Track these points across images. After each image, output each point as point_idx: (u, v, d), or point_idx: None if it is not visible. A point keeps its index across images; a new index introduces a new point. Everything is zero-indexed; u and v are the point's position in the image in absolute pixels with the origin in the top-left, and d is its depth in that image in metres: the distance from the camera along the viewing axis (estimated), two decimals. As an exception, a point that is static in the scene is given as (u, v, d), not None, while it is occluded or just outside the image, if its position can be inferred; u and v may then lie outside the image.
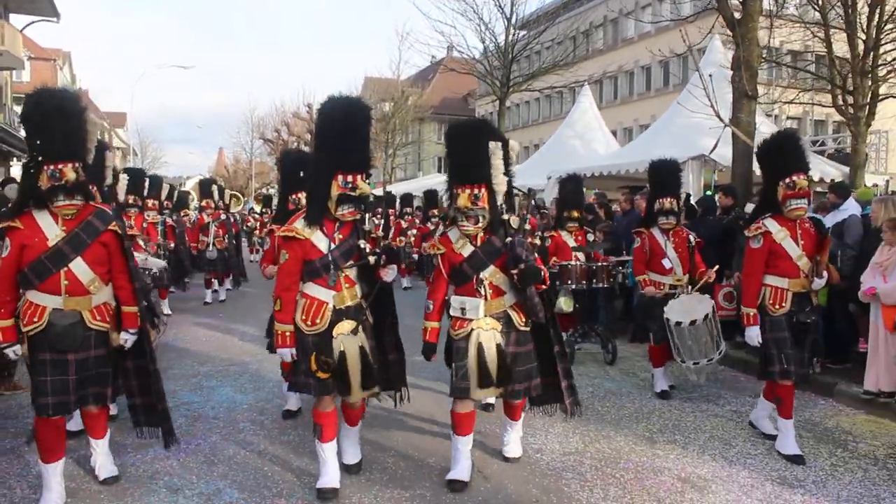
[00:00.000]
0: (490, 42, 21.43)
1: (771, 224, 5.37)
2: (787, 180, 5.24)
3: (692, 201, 10.77)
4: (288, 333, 4.32)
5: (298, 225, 4.34)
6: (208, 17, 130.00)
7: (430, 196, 14.71)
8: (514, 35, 21.24)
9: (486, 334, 4.58)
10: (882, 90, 16.25)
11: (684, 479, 4.80)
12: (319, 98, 6.84)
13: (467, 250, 4.65)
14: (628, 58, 36.56)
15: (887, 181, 16.87)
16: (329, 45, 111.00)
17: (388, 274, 4.45)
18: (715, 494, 4.55)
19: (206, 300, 12.80)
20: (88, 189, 4.16)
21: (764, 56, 18.95)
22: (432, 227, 13.32)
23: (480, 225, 4.56)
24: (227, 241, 13.25)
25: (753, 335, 5.32)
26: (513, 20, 20.97)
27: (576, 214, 8.45)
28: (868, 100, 15.33)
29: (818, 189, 13.47)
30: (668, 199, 6.97)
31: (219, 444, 5.34)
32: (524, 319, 4.68)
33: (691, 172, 13.80)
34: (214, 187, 14.16)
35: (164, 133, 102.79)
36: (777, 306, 5.32)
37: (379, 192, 17.84)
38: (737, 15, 10.45)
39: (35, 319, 4.06)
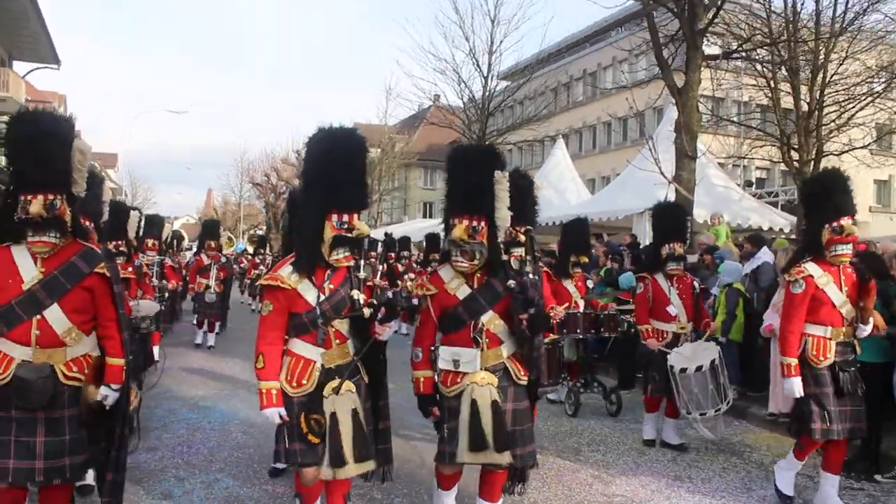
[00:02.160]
0: (468, 98, 22.99)
1: (813, 268, 5.05)
2: (835, 224, 4.94)
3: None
4: (274, 391, 3.76)
5: (284, 272, 3.84)
6: (199, 60, 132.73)
7: (432, 239, 14.33)
8: (490, 91, 22.71)
9: (482, 390, 4.07)
10: (826, 147, 17.72)
11: (596, 476, 5.89)
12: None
13: (462, 292, 4.18)
14: (592, 114, 38.40)
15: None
16: (318, 89, 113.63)
17: (385, 332, 3.90)
18: (617, 486, 5.64)
19: (196, 341, 12.72)
20: (65, 224, 3.62)
21: (712, 112, 20.53)
22: (430, 272, 12.94)
23: (476, 262, 4.10)
24: (224, 285, 12.94)
25: (795, 387, 4.95)
26: (490, 78, 22.55)
27: (585, 259, 8.29)
28: (813, 156, 16.77)
29: (771, 237, 14.83)
30: (678, 244, 6.77)
31: (216, 448, 6.37)
32: (523, 373, 4.27)
33: (647, 221, 15.16)
34: (222, 230, 14.08)
35: (153, 173, 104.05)
36: (821, 357, 4.99)
37: (379, 234, 16.34)
38: (679, 83, 11.80)
39: None
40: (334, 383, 3.77)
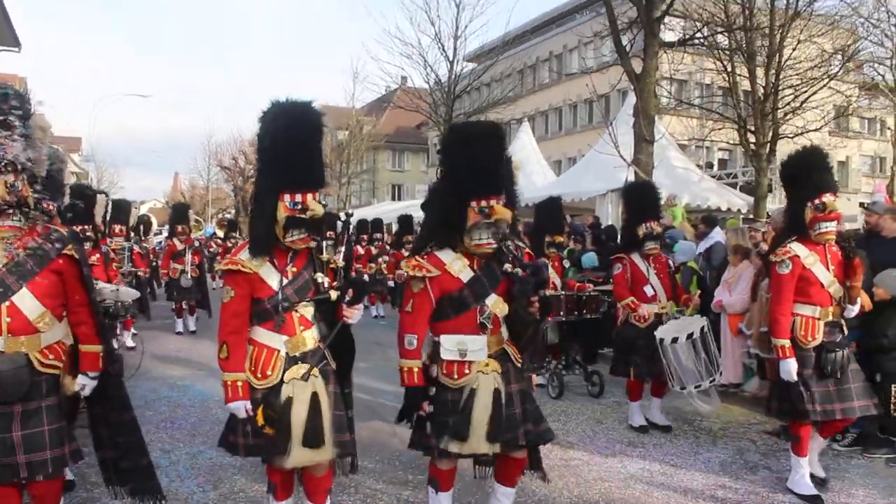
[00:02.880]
0: (434, 82, 23.35)
1: (799, 248, 5.01)
2: (817, 201, 4.89)
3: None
4: (240, 383, 3.62)
5: (244, 256, 3.67)
6: (165, 41, 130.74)
7: (405, 221, 14.34)
8: (455, 75, 23.06)
9: (486, 379, 3.92)
10: (782, 130, 18.37)
11: (555, 443, 6.30)
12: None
13: (466, 275, 3.97)
14: (557, 96, 38.89)
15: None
16: (286, 71, 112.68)
17: (354, 315, 3.71)
18: (575, 452, 6.08)
19: (177, 330, 12.38)
20: (29, 206, 3.50)
21: (674, 95, 21.07)
22: (406, 254, 12.55)
23: (495, 242, 3.93)
24: (199, 268, 12.53)
25: (791, 369, 4.89)
26: (455, 62, 22.93)
27: (559, 240, 8.21)
28: (769, 139, 17.39)
29: (723, 217, 15.40)
30: (655, 222, 6.73)
31: (197, 423, 6.71)
32: (519, 355, 4.14)
33: (610, 203, 15.68)
34: (191, 212, 13.82)
35: (119, 157, 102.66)
36: (809, 338, 4.96)
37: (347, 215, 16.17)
38: (638, 69, 12.24)
39: None
40: (301, 369, 3.61)
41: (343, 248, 4.04)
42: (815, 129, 18.07)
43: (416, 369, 3.95)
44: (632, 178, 12.36)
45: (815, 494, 5.01)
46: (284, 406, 3.56)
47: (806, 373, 4.93)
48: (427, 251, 4.03)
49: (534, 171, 21.92)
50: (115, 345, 7.98)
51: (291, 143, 3.62)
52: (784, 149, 21.73)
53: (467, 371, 3.92)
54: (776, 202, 22.83)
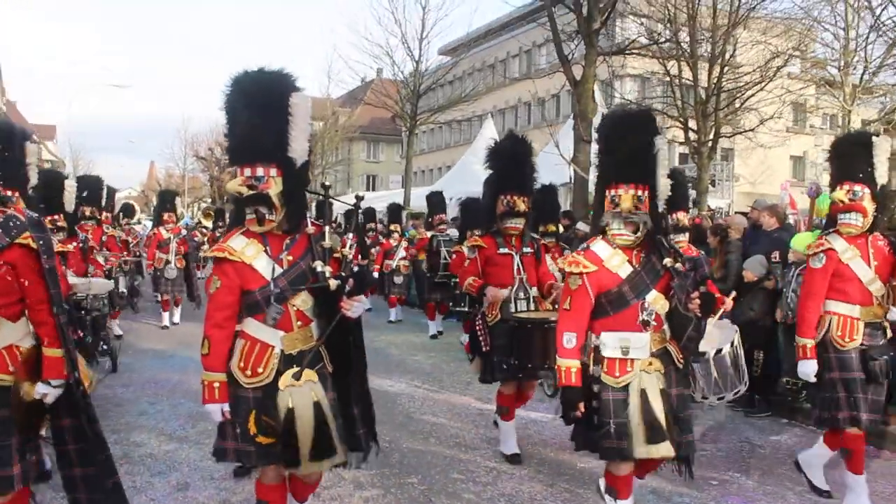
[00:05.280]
0: (401, 80, 24.64)
1: (836, 241, 4.61)
2: (837, 190, 4.63)
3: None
4: (217, 384, 3.38)
5: (235, 244, 3.42)
6: (139, 29, 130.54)
7: (394, 210, 14.23)
8: (420, 74, 24.31)
9: (650, 378, 3.79)
10: (723, 130, 19.78)
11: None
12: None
13: (625, 270, 3.82)
14: (514, 95, 40.08)
15: (729, 204, 20.28)
16: (263, 61, 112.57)
17: (354, 307, 3.41)
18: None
19: (164, 324, 11.84)
20: None
21: (619, 95, 22.42)
22: (395, 244, 13.03)
23: (639, 234, 3.80)
24: (186, 259, 11.91)
25: (809, 370, 4.59)
26: (420, 62, 24.22)
27: (552, 228, 8.06)
28: (710, 137, 18.78)
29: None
30: (683, 214, 6.43)
31: (178, 383, 7.85)
32: (681, 356, 3.94)
33: (561, 197, 16.95)
34: (178, 200, 13.69)
35: (93, 144, 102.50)
36: (847, 339, 4.56)
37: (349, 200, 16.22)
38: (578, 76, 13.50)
39: None
40: (293, 371, 3.38)
41: (352, 236, 3.59)
42: (750, 130, 19.30)
43: (574, 369, 3.81)
44: (572, 174, 13.64)
45: (827, 490, 4.81)
46: (287, 418, 3.32)
47: (849, 376, 4.53)
48: (584, 246, 3.95)
49: (495, 164, 23.22)
50: (101, 338, 7.85)
51: (242, 112, 3.38)
52: (743, 145, 23.09)
53: (629, 369, 3.79)
54: (718, 197, 24.45)
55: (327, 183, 3.73)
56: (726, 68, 18.50)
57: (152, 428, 6.23)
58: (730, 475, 5.44)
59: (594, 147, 12.30)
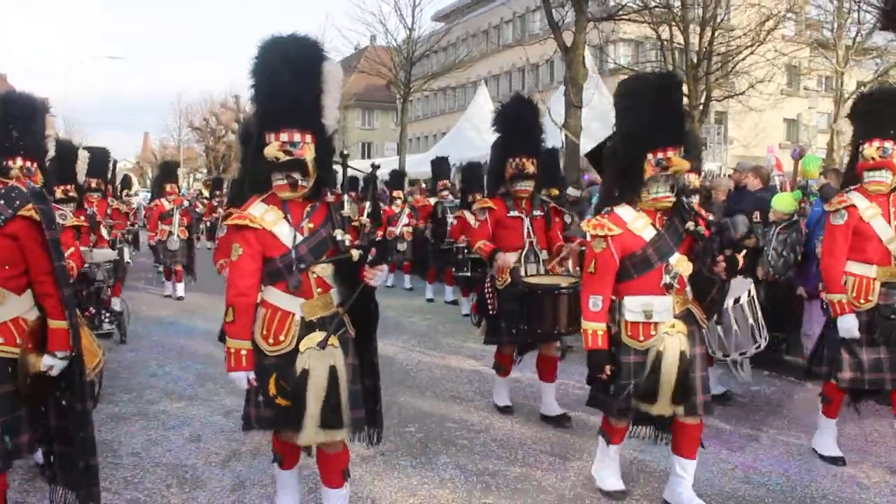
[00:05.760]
0: (394, 48, 24.76)
1: (857, 198, 4.56)
2: (861, 148, 4.57)
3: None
4: (244, 352, 3.39)
5: (255, 211, 3.40)
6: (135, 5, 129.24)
7: (396, 176, 14.04)
8: (412, 42, 24.39)
9: (672, 340, 3.84)
10: (715, 94, 19.98)
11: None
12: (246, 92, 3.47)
13: (648, 233, 3.86)
14: (508, 60, 40.05)
15: (720, 167, 20.50)
16: (255, 35, 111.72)
17: (377, 276, 3.41)
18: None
19: (165, 293, 11.91)
20: None
21: (612, 60, 22.58)
22: (397, 210, 12.69)
23: (672, 196, 3.84)
24: (189, 230, 11.93)
25: (850, 325, 4.48)
26: (413, 30, 24.30)
27: (555, 192, 8.03)
28: (701, 101, 19.00)
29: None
30: (694, 175, 6.33)
31: (183, 346, 8.20)
32: (704, 316, 4.01)
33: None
34: (180, 171, 14.30)
35: (88, 117, 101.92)
36: (862, 300, 4.52)
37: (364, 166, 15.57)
38: (568, 42, 13.66)
39: None
40: (317, 337, 3.37)
41: (369, 203, 3.51)
42: (741, 94, 19.49)
43: (600, 332, 3.88)
44: (563, 139, 13.86)
45: (840, 456, 4.85)
46: (300, 379, 3.33)
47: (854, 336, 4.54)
48: (608, 210, 3.95)
49: (489, 130, 23.33)
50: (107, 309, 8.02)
51: (282, 77, 3.34)
52: (736, 108, 23.24)
53: (653, 332, 3.85)
54: (711, 160, 24.66)
55: (346, 152, 3.69)
56: (718, 31, 18.66)
57: (163, 388, 6.54)
58: (707, 420, 5.72)
59: (585, 112, 12.76)
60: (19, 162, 4.20)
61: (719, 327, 5.47)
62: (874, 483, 4.60)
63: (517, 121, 5.63)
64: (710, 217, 5.40)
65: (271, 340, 3.41)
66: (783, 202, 7.40)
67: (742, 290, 5.62)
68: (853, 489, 4.51)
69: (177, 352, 7.99)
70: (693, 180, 6.22)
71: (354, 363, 3.51)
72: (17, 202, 3.04)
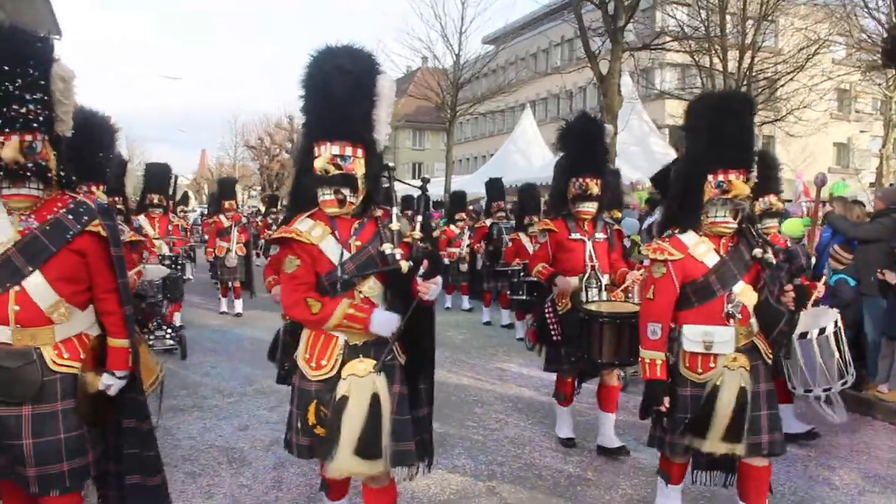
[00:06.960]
0: (440, 71, 25.77)
1: None
2: None
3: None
4: (351, 310, 3.18)
5: (302, 226, 3.27)
6: (190, 19, 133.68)
7: (458, 198, 13.82)
8: (459, 67, 25.27)
9: (732, 375, 3.62)
10: (756, 119, 20.23)
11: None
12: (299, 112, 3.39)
13: (711, 259, 3.69)
14: (554, 84, 40.67)
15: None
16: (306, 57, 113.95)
17: (431, 290, 3.22)
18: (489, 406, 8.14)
19: (221, 309, 12.04)
20: (48, 172, 2.93)
21: (656, 85, 22.94)
22: (457, 231, 12.77)
23: (738, 222, 3.67)
24: (246, 247, 11.91)
25: None
26: (460, 56, 25.19)
27: (617, 214, 8.43)
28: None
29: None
30: (774, 196, 6.00)
31: (234, 351, 9.02)
32: (769, 350, 3.78)
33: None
34: (238, 188, 14.56)
35: (147, 134, 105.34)
36: None
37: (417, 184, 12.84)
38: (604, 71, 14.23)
39: None
40: (361, 363, 3.18)
41: (420, 218, 3.40)
42: (779, 119, 19.68)
43: (659, 361, 3.70)
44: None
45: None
46: (338, 405, 3.12)
47: None
48: (669, 233, 3.79)
49: (534, 153, 23.96)
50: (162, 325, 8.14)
51: (336, 88, 3.19)
52: (792, 129, 23.24)
53: (712, 365, 3.66)
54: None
55: (391, 164, 3.54)
56: (758, 56, 18.92)
57: (215, 386, 7.32)
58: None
59: (624, 137, 13.29)
60: (102, 188, 4.58)
61: (802, 360, 5.18)
62: (845, 484, 5.07)
63: (582, 139, 5.39)
64: (780, 244, 5.31)
65: (314, 364, 3.25)
66: (792, 227, 7.81)
67: (828, 320, 5.27)
68: (824, 489, 4.98)
69: (228, 356, 8.78)
70: (774, 202, 5.95)
71: (402, 392, 3.30)
72: (85, 217, 3.01)
